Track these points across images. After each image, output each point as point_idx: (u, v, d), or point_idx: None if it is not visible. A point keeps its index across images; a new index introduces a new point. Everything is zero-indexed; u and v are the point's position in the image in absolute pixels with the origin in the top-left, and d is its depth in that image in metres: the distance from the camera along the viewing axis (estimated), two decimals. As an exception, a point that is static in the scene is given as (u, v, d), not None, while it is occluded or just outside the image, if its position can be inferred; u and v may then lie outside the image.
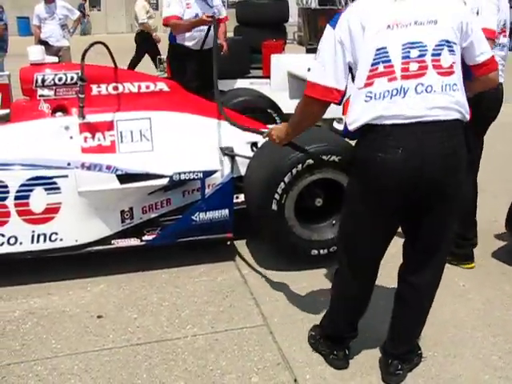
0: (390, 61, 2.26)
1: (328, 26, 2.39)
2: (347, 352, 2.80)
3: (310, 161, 3.43)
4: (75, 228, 3.50)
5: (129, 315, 3.20)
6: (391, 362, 2.70)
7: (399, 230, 2.59)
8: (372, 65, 2.28)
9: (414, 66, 2.25)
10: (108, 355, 2.85)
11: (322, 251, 3.67)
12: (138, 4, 10.80)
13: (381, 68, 2.27)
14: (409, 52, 2.25)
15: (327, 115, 4.59)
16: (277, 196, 3.47)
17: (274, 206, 3.48)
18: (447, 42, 2.28)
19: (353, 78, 2.41)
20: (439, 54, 2.26)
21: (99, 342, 2.96)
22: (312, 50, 9.76)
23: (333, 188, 3.66)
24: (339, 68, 2.36)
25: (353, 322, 2.75)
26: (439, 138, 2.28)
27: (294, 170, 3.44)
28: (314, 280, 3.57)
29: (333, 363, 2.78)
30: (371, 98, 2.30)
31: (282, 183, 3.45)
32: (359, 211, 2.47)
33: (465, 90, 2.37)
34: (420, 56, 2.25)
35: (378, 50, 2.27)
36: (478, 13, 3.35)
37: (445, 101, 2.27)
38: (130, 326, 3.09)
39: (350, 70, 2.40)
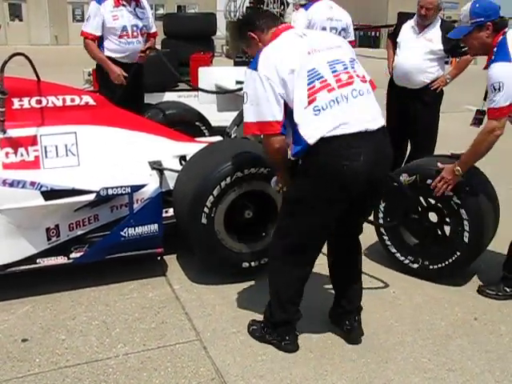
0: (322, 77, 2.63)
1: (249, 70, 2.67)
2: (297, 333, 3.03)
3: (239, 173, 3.45)
4: (-2, 248, 3.34)
5: (56, 337, 3.09)
6: (354, 317, 3.08)
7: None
8: (308, 84, 2.60)
9: (344, 77, 2.67)
10: (34, 381, 2.73)
11: (253, 263, 3.67)
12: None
13: (317, 84, 2.61)
14: (335, 67, 2.67)
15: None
16: (206, 209, 3.44)
17: (204, 220, 3.46)
18: (354, 59, 2.79)
19: (285, 108, 2.65)
20: (353, 67, 2.75)
21: (24, 367, 2.83)
22: (240, 63, 9.87)
23: (262, 200, 3.68)
24: (272, 101, 2.61)
25: (299, 303, 2.99)
26: (381, 142, 2.68)
27: (223, 183, 3.43)
28: (246, 292, 3.57)
29: (287, 348, 2.99)
30: (319, 110, 2.59)
31: (211, 196, 3.43)
32: (318, 211, 2.70)
33: None
34: (345, 68, 2.70)
35: (308, 71, 2.61)
36: None
37: (377, 107, 2.72)
38: (58, 348, 2.98)
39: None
